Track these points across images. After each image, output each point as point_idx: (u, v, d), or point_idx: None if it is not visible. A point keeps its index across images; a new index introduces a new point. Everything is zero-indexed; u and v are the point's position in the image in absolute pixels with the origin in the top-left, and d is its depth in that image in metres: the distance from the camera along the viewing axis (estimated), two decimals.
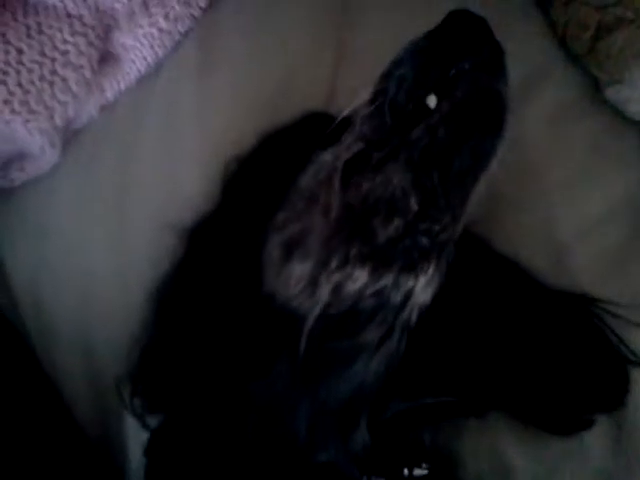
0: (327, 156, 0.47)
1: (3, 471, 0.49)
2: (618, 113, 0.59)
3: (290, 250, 0.45)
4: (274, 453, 0.45)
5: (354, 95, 0.47)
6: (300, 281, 0.44)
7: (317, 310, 0.43)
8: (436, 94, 0.44)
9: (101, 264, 0.63)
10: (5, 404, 0.53)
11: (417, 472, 0.47)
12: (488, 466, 0.52)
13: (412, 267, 0.43)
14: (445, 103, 0.43)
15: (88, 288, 0.62)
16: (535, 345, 0.49)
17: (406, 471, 0.47)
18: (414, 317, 0.45)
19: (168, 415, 0.48)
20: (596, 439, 0.50)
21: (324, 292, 0.43)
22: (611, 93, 0.57)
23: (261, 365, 0.45)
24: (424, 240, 0.43)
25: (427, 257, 0.44)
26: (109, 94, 0.67)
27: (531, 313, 0.51)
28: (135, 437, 0.51)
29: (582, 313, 0.51)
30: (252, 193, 0.53)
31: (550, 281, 0.53)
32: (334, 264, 0.43)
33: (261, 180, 0.54)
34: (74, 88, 0.63)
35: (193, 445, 0.46)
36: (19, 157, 0.64)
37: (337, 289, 0.43)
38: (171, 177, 0.65)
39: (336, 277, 0.43)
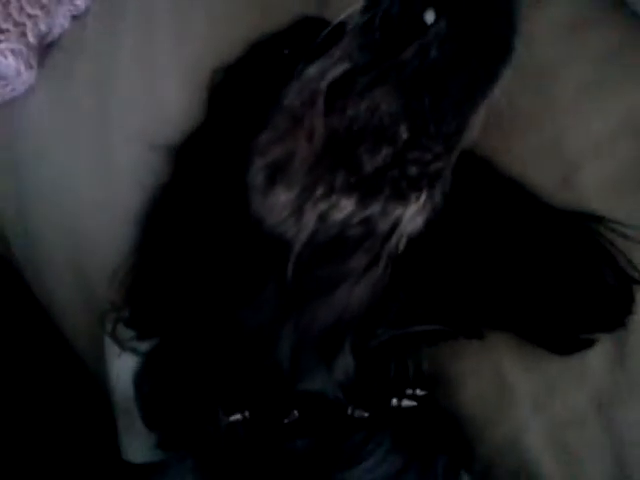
0: (312, 72, 0.44)
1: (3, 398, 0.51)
2: (637, 20, 0.53)
3: (274, 175, 0.43)
4: (260, 381, 0.45)
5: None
6: (285, 208, 0.43)
7: (303, 238, 0.42)
8: (435, 8, 0.39)
9: (86, 186, 0.61)
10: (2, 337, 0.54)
11: (405, 403, 0.47)
12: (489, 385, 0.52)
13: (401, 196, 0.41)
14: (444, 19, 0.38)
15: (75, 212, 0.61)
16: (537, 264, 0.48)
17: (395, 401, 0.47)
18: (402, 245, 0.44)
19: (159, 341, 0.48)
20: (597, 359, 0.50)
21: (310, 220, 0.42)
22: None
23: (249, 290, 0.45)
24: (414, 169, 0.41)
25: (417, 186, 0.42)
26: (79, 2, 0.62)
27: (533, 232, 0.49)
28: (118, 364, 0.52)
29: (587, 232, 0.49)
30: (238, 108, 0.50)
31: (558, 201, 0.51)
32: (319, 192, 0.41)
33: (248, 93, 0.50)
34: None
35: (184, 368, 0.46)
36: None
37: (323, 217, 0.42)
38: (152, 90, 0.61)
39: (322, 206, 0.41)
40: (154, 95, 0.61)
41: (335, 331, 0.44)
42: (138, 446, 0.50)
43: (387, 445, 0.45)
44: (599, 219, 0.49)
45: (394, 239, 0.43)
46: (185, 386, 0.46)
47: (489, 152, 0.51)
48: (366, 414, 0.46)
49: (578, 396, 0.51)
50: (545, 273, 0.48)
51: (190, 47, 0.60)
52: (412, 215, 0.42)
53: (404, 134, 0.40)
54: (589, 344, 0.49)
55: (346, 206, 0.41)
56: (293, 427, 0.45)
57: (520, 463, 0.52)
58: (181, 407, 0.46)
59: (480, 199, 0.49)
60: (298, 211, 0.42)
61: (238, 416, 0.45)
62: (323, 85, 0.42)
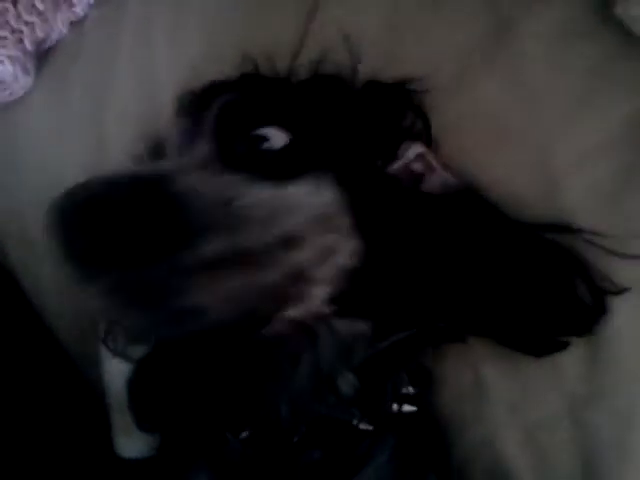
0: None
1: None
2: (626, 33, 0.51)
3: None
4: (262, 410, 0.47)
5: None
6: None
7: None
8: None
9: None
10: None
11: (406, 408, 0.49)
12: (467, 387, 0.54)
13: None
14: None
15: None
16: (511, 277, 0.48)
17: (395, 407, 0.48)
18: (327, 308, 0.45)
19: (152, 348, 0.49)
20: (571, 364, 0.51)
21: None
22: (619, 10, 0.51)
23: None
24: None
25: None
26: (78, 9, 0.63)
27: (507, 247, 0.49)
28: (111, 365, 0.54)
29: (559, 246, 0.50)
30: None
31: (542, 213, 0.51)
32: None
33: None
34: (39, 5, 0.60)
35: (179, 379, 0.47)
36: None
37: None
38: (149, 95, 0.63)
39: None
40: (150, 100, 0.62)
41: (322, 381, 0.46)
42: (131, 442, 0.52)
43: (386, 455, 0.47)
44: (575, 230, 0.50)
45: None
46: (181, 398, 0.47)
47: (477, 161, 0.52)
48: (371, 427, 0.47)
49: (552, 399, 0.52)
50: (519, 285, 0.49)
51: (187, 54, 0.62)
52: (320, 292, 0.44)
53: None
54: (563, 346, 0.50)
55: None
56: (303, 442, 0.46)
57: (495, 462, 0.53)
58: (178, 418, 0.48)
59: (457, 218, 0.49)
60: None
61: (246, 433, 0.47)
62: None
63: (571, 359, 0.51)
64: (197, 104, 0.49)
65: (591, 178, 0.52)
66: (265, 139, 0.45)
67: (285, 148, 0.45)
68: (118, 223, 0.36)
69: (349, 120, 0.49)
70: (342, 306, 0.45)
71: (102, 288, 0.37)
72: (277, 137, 0.44)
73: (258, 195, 0.42)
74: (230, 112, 0.46)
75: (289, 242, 0.42)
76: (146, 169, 0.42)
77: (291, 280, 0.42)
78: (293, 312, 0.44)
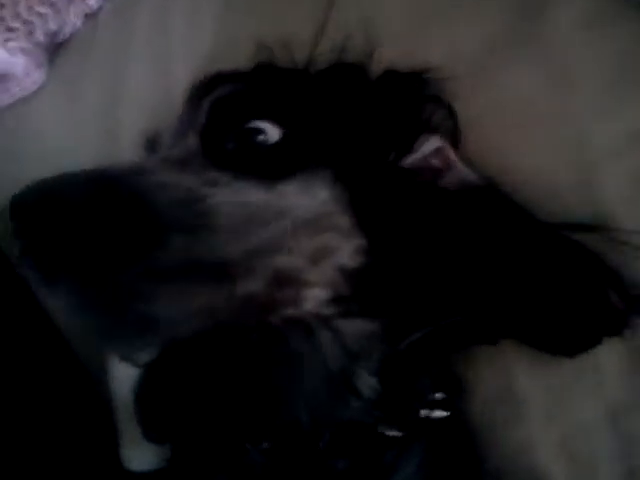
0: None
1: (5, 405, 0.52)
2: None
3: None
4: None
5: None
6: None
7: None
8: None
9: None
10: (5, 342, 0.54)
11: (436, 414, 0.46)
12: (500, 391, 0.51)
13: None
14: None
15: None
16: (532, 276, 0.45)
17: (424, 412, 0.45)
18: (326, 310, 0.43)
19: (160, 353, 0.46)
20: (612, 369, 0.48)
21: None
22: None
23: None
24: None
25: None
26: (92, 1, 0.63)
27: (527, 242, 0.46)
28: (119, 370, 0.52)
29: (586, 250, 0.47)
30: None
31: (576, 201, 0.49)
32: None
33: None
34: None
35: (187, 379, 0.45)
36: (3, 78, 0.61)
37: None
38: (164, 89, 0.61)
39: None
40: (165, 94, 0.60)
41: (336, 383, 0.43)
42: (140, 453, 0.50)
43: (414, 465, 0.44)
44: (604, 230, 0.47)
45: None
46: (191, 404, 0.45)
47: (507, 151, 0.50)
48: (399, 433, 0.45)
49: (592, 406, 0.49)
50: (539, 287, 0.45)
51: (203, 47, 0.60)
52: (316, 294, 0.42)
53: None
54: (594, 343, 0.46)
55: None
56: (328, 451, 0.43)
57: (531, 470, 0.50)
58: (188, 427, 0.45)
59: (476, 214, 0.47)
60: None
61: (266, 444, 0.44)
62: None
63: (612, 362, 0.48)
64: (199, 94, 0.47)
65: (628, 166, 0.50)
66: (258, 133, 0.43)
67: (278, 144, 0.43)
68: (74, 221, 0.34)
69: (361, 111, 0.47)
70: (346, 307, 0.43)
71: (61, 289, 0.35)
72: (271, 131, 0.42)
73: (237, 194, 0.41)
74: (223, 106, 0.45)
75: (273, 246, 0.40)
76: (115, 165, 0.41)
77: (276, 286, 0.40)
78: (287, 312, 0.41)
